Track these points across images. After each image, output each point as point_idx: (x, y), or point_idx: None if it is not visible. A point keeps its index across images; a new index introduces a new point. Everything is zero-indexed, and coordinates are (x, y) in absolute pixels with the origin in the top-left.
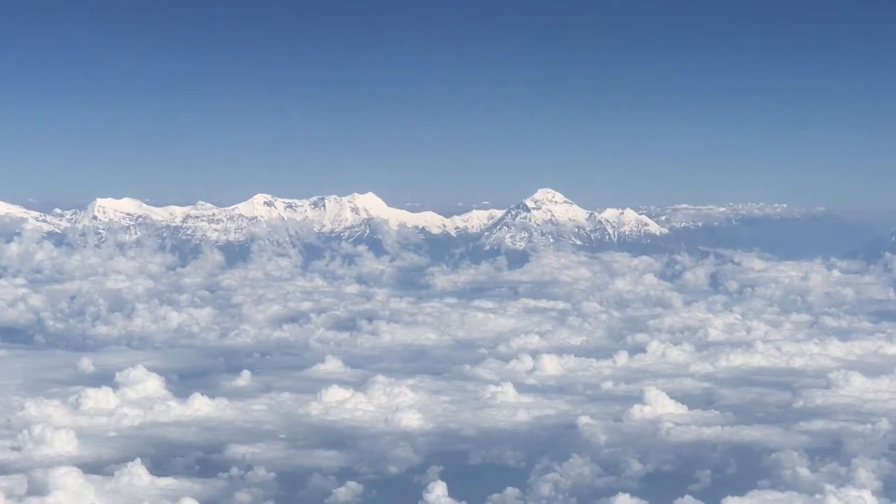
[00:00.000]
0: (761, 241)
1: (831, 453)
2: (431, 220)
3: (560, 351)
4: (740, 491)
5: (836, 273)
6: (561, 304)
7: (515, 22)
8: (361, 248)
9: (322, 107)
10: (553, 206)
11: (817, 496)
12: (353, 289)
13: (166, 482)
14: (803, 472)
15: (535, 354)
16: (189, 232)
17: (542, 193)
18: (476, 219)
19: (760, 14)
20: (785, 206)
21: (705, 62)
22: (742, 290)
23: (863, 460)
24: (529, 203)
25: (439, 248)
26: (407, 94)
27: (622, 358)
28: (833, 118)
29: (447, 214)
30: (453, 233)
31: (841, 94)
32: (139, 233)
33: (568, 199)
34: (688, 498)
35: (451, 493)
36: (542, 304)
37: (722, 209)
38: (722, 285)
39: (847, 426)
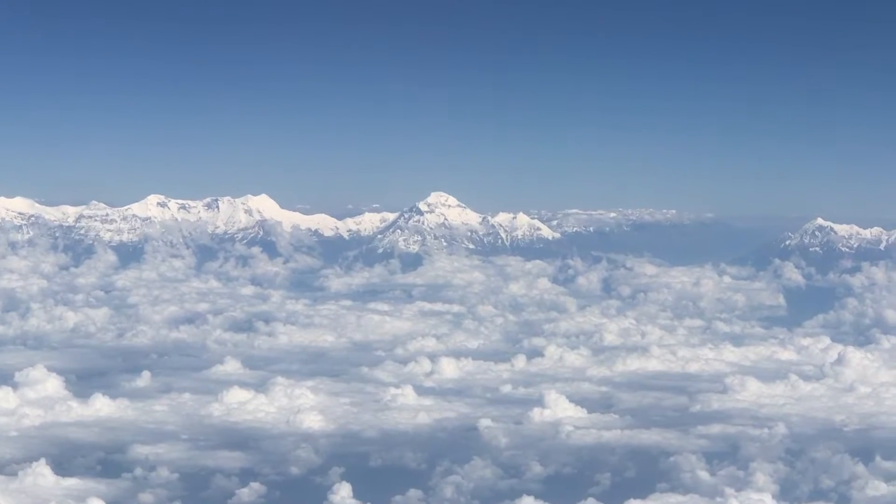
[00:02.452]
0: (652, 247)
1: (729, 457)
2: (324, 223)
3: (457, 354)
4: (640, 494)
5: (726, 279)
6: (456, 308)
7: (406, 23)
8: (255, 249)
9: (215, 107)
10: (446, 209)
11: (717, 499)
12: (248, 290)
13: (71, 482)
14: (702, 475)
15: (432, 357)
16: (82, 232)
17: (436, 197)
18: (369, 221)
19: (647, 15)
20: (674, 211)
21: (592, 65)
22: (635, 295)
23: (760, 464)
24: (422, 206)
25: (332, 250)
26: (297, 94)
27: (520, 361)
28: (720, 125)
29: (339, 217)
30: (346, 235)
31: (725, 99)
32: (31, 232)
33: (461, 203)
34: (590, 500)
35: (355, 494)
36: (438, 307)
37: (612, 214)
38: (615, 290)
39: (744, 430)
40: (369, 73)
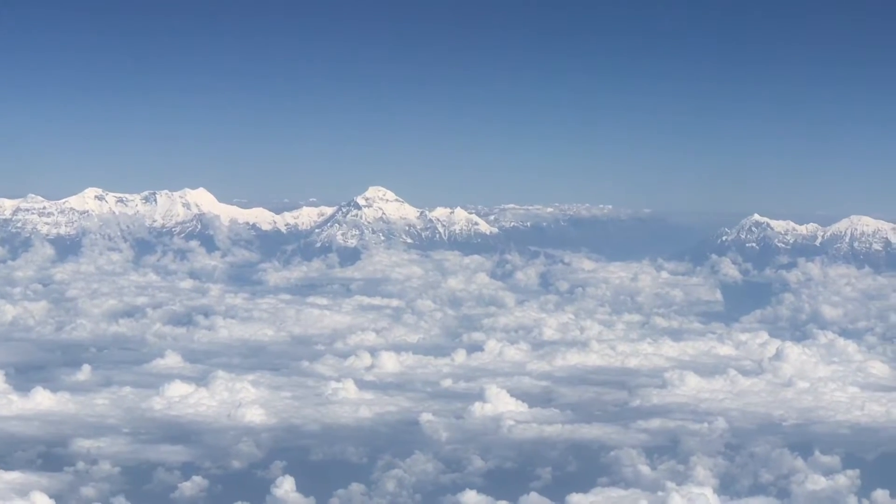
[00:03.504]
0: (589, 242)
1: (669, 451)
2: (262, 217)
3: (397, 348)
4: (581, 488)
5: (664, 274)
6: (395, 302)
7: (342, 17)
8: (193, 243)
9: (152, 100)
10: (384, 204)
11: (659, 493)
12: (186, 284)
13: (12, 476)
14: (643, 469)
15: (372, 351)
16: (19, 225)
17: (374, 191)
18: (307, 216)
19: (580, 11)
20: (611, 207)
21: (528, 60)
22: (573, 290)
23: (700, 458)
24: (360, 201)
25: (270, 244)
26: (234, 88)
27: (460, 356)
28: (656, 121)
29: (276, 211)
30: (284, 229)
31: (661, 95)
32: None
33: (399, 198)
34: (533, 495)
35: (298, 488)
36: (377, 301)
37: (549, 209)
38: (553, 285)
39: (684, 425)
40: (305, 68)
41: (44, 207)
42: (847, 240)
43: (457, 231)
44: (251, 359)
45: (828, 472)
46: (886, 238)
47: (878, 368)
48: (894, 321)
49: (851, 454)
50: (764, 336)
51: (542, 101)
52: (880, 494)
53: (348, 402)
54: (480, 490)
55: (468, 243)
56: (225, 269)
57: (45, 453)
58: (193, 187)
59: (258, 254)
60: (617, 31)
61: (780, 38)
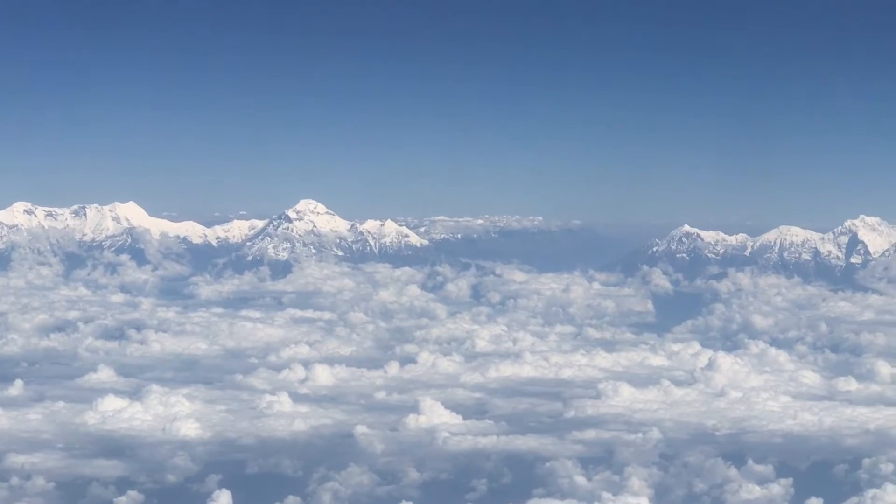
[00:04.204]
0: (520, 254)
1: (604, 462)
2: (193, 230)
3: (330, 361)
4: (517, 499)
5: (595, 285)
6: (327, 315)
7: (272, 31)
8: (124, 257)
9: (80, 113)
10: (315, 216)
11: None
12: (118, 298)
13: None
14: (579, 480)
15: (306, 364)
16: None
17: (304, 204)
18: (237, 229)
19: (512, 21)
20: (541, 218)
21: (456, 71)
22: (505, 302)
23: (635, 469)
24: (291, 214)
25: (201, 257)
26: (162, 101)
27: (393, 368)
28: (584, 131)
29: (207, 224)
30: (215, 243)
31: (589, 106)
32: None
33: (330, 210)
34: None
35: (234, 502)
36: (309, 314)
37: (480, 221)
38: (484, 297)
39: (619, 435)
40: (234, 80)
41: None
42: (776, 250)
43: (387, 243)
44: (184, 372)
45: (761, 481)
46: (815, 248)
47: (810, 378)
48: (824, 331)
49: (784, 463)
50: (696, 346)
51: (471, 112)
52: (814, 502)
53: (283, 415)
54: (417, 502)
55: (399, 255)
56: (156, 282)
57: None
58: (123, 201)
59: (189, 267)
60: (545, 42)
61: (709, 48)
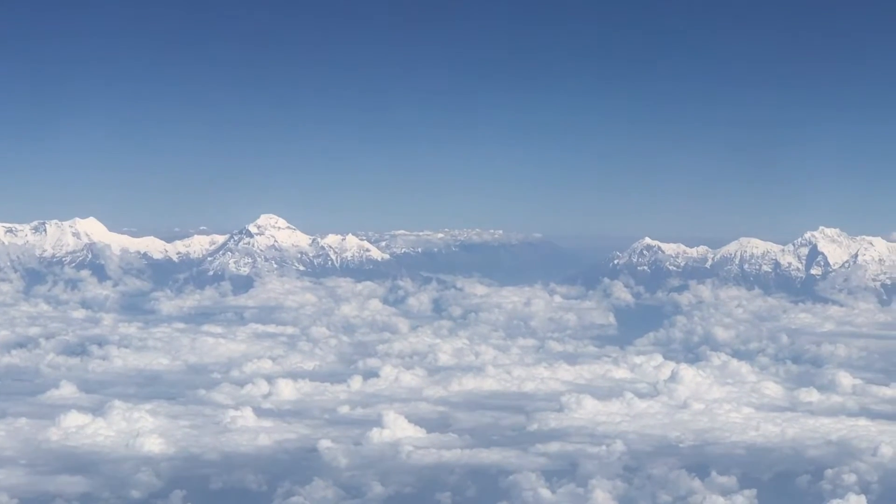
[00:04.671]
0: (481, 267)
1: (568, 475)
2: (153, 246)
3: (294, 375)
4: None
5: (557, 298)
6: (290, 329)
7: (228, 42)
8: (84, 272)
9: (39, 129)
10: (276, 231)
11: None
12: (79, 314)
13: None
14: (543, 493)
15: (269, 379)
16: None
17: (265, 219)
18: (198, 244)
19: (462, 34)
20: (501, 232)
21: (413, 84)
22: (466, 316)
23: (599, 481)
24: (252, 228)
25: (162, 273)
26: (120, 115)
27: (356, 382)
28: (543, 145)
29: (167, 239)
30: (175, 258)
31: (546, 119)
32: None
33: (290, 225)
34: None
35: None
36: (271, 329)
37: (440, 235)
38: (446, 310)
39: (582, 448)
40: (193, 95)
41: None
42: (737, 262)
43: (349, 258)
44: (147, 388)
45: (725, 492)
46: (776, 260)
47: (772, 389)
48: (785, 342)
49: (747, 474)
50: (658, 359)
51: (429, 126)
52: None
53: (247, 430)
54: None
55: (360, 270)
56: (117, 298)
57: None
58: (83, 217)
59: (150, 282)
60: (503, 54)
61: (668, 60)
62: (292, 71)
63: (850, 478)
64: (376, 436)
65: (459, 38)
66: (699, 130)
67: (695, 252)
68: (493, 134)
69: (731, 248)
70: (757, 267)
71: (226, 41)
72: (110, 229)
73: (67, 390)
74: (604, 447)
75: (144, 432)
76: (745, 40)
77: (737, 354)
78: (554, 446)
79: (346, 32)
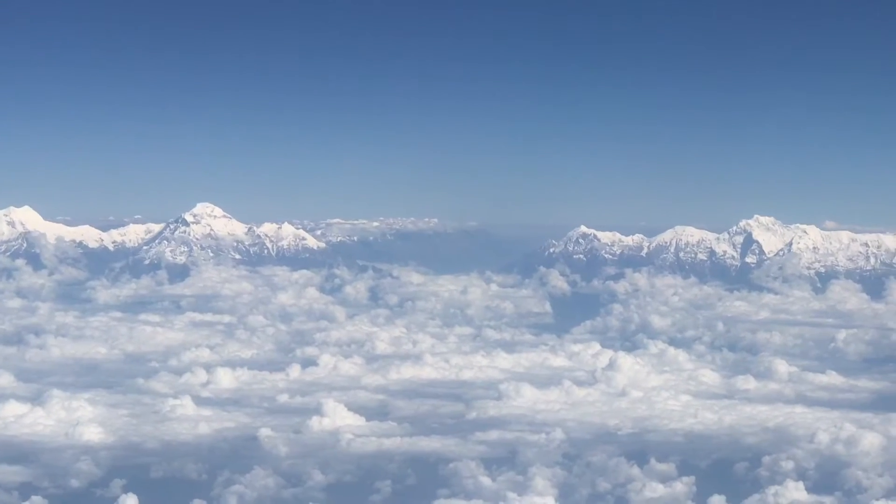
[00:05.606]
0: (417, 256)
1: (508, 462)
2: (89, 234)
3: (232, 364)
4: (421, 501)
5: (493, 287)
6: (227, 318)
7: (165, 33)
8: (19, 261)
9: None
10: (212, 220)
11: None
12: (14, 303)
13: None
14: (484, 481)
15: (207, 368)
16: None
17: (201, 208)
18: (134, 233)
19: (402, 26)
20: (436, 220)
21: (345, 73)
22: (403, 304)
23: (539, 469)
24: (188, 217)
25: (98, 262)
26: (55, 104)
27: (295, 371)
28: (477, 133)
29: (102, 228)
30: (111, 247)
31: (479, 109)
32: None
33: (227, 214)
34: None
35: None
36: (208, 317)
37: (375, 224)
38: (382, 299)
39: (522, 436)
40: (127, 83)
41: None
42: (672, 250)
43: (285, 246)
44: (85, 377)
45: (664, 479)
46: (711, 248)
47: (709, 377)
48: (721, 330)
49: (686, 461)
50: (596, 347)
51: (363, 113)
52: (716, 500)
53: (186, 418)
54: None
55: (296, 258)
56: (53, 287)
57: None
58: (18, 205)
59: (86, 271)
60: (435, 43)
61: (602, 47)
62: (227, 58)
63: (788, 464)
64: (316, 424)
65: (389, 23)
66: (634, 118)
67: (630, 240)
68: (426, 122)
69: (666, 236)
70: (692, 255)
71: (159, 26)
72: (45, 218)
73: (4, 380)
74: (543, 435)
75: (84, 421)
76: (675, 26)
77: (673, 342)
78: (493, 434)
79: (281, 18)
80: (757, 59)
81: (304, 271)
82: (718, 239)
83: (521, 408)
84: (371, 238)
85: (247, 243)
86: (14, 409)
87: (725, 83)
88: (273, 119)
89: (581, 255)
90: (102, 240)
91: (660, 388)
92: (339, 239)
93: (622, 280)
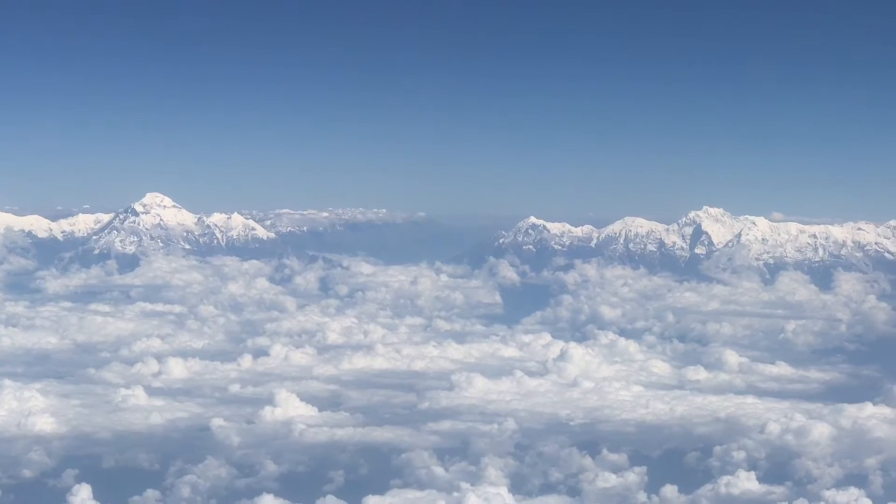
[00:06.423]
0: (366, 246)
1: (460, 452)
2: (38, 224)
3: (183, 354)
4: (374, 490)
5: (443, 277)
6: (177, 308)
7: (115, 22)
8: None
9: None
10: (162, 210)
11: (454, 494)
12: None
13: None
14: (437, 470)
15: (159, 358)
16: None
17: (151, 198)
18: (83, 223)
19: (349, 19)
20: (385, 211)
21: (296, 63)
22: (353, 294)
23: (491, 459)
24: (138, 207)
25: (47, 252)
26: (1, 95)
27: (246, 361)
28: (424, 125)
29: (51, 218)
30: (60, 237)
31: (429, 100)
32: None
33: (176, 204)
34: (329, 498)
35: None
36: (159, 307)
37: (325, 214)
38: (332, 289)
39: (474, 426)
40: (76, 72)
41: None
42: (622, 241)
43: (234, 236)
44: (36, 367)
45: (616, 469)
46: (660, 239)
47: (660, 367)
48: (671, 321)
49: (638, 452)
50: (547, 337)
51: (311, 103)
52: (668, 490)
53: (139, 408)
54: (275, 494)
55: (246, 248)
56: (2, 277)
57: None
58: None
59: (35, 261)
60: (385, 34)
61: (549, 36)
62: (175, 47)
63: (739, 455)
64: (268, 414)
65: (332, 11)
66: (583, 108)
67: (580, 231)
68: (375, 113)
69: (615, 227)
70: (642, 246)
71: (100, 12)
72: None
73: None
74: (495, 425)
75: (35, 412)
76: (616, 15)
77: (623, 333)
78: (446, 425)
79: (222, 5)
80: (704, 50)
81: (254, 261)
82: (668, 230)
83: (473, 398)
84: (320, 228)
85: (196, 233)
86: None
87: (673, 75)
88: (222, 109)
89: (531, 246)
90: (52, 230)
91: (611, 378)
92: (288, 229)
93: (572, 271)
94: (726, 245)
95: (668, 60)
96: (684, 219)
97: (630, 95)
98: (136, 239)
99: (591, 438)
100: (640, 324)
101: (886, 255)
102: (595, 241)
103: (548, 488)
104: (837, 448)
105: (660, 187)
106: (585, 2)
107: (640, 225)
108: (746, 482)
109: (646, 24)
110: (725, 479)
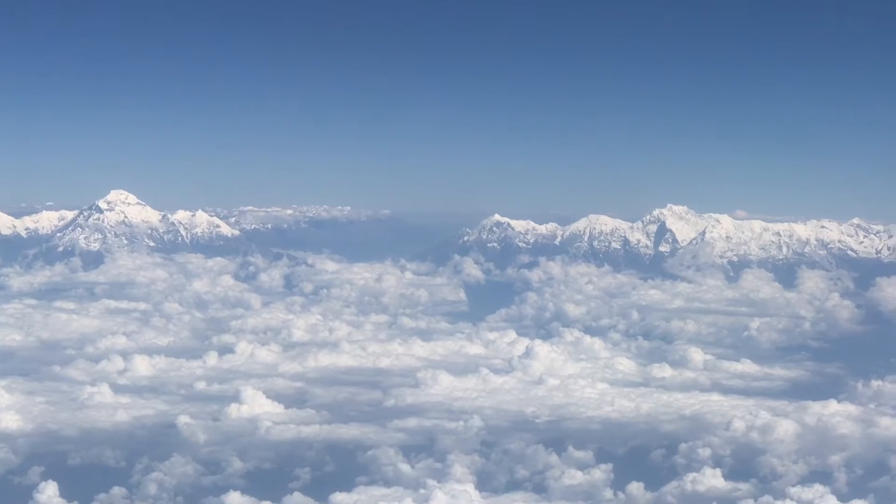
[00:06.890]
0: (331, 243)
1: (427, 450)
2: (1, 221)
3: (149, 351)
4: (340, 487)
5: (408, 275)
6: (142, 305)
7: (86, 20)
8: None
9: None
10: (126, 207)
11: (421, 491)
12: None
13: None
14: (403, 468)
15: (124, 355)
16: None
17: (115, 195)
18: (47, 220)
19: (313, 16)
20: (349, 208)
21: (257, 60)
22: (318, 292)
23: (458, 456)
24: (102, 204)
25: (10, 249)
26: None
27: (212, 358)
28: (387, 122)
29: (14, 215)
30: (24, 234)
31: (392, 96)
32: None
33: (141, 201)
34: (296, 495)
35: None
36: (124, 305)
37: (289, 211)
38: (297, 287)
39: (440, 423)
40: (40, 68)
41: None
42: (586, 239)
43: (199, 234)
44: (1, 365)
45: (582, 466)
46: (625, 237)
47: (625, 365)
48: (636, 318)
49: (604, 449)
50: (512, 335)
51: (275, 100)
52: (634, 487)
53: (104, 406)
54: (242, 491)
55: (210, 246)
56: None
57: None
58: None
59: None
60: (350, 32)
61: (513, 34)
62: (140, 45)
63: (705, 452)
64: (234, 411)
65: (301, 10)
66: (547, 107)
67: (544, 229)
68: (339, 110)
69: (579, 225)
70: (606, 244)
71: (64, 11)
72: None
73: None
74: (461, 422)
75: (0, 409)
76: (579, 15)
77: (588, 331)
78: (411, 422)
79: (189, 5)
80: (666, 49)
81: (219, 259)
82: (632, 228)
83: (439, 395)
84: (285, 225)
85: (161, 230)
86: None
87: (636, 74)
88: (186, 106)
89: (495, 244)
90: (15, 227)
91: (576, 375)
92: (252, 226)
93: (536, 268)
94: (690, 243)
95: (631, 59)
96: (648, 217)
97: (593, 94)
98: (100, 236)
99: (557, 436)
100: (605, 321)
101: (849, 252)
102: (559, 238)
103: (514, 485)
104: (802, 445)
105: (624, 185)
106: (548, 2)
107: (604, 223)
108: (712, 479)
109: (607, 23)
110: (691, 476)
